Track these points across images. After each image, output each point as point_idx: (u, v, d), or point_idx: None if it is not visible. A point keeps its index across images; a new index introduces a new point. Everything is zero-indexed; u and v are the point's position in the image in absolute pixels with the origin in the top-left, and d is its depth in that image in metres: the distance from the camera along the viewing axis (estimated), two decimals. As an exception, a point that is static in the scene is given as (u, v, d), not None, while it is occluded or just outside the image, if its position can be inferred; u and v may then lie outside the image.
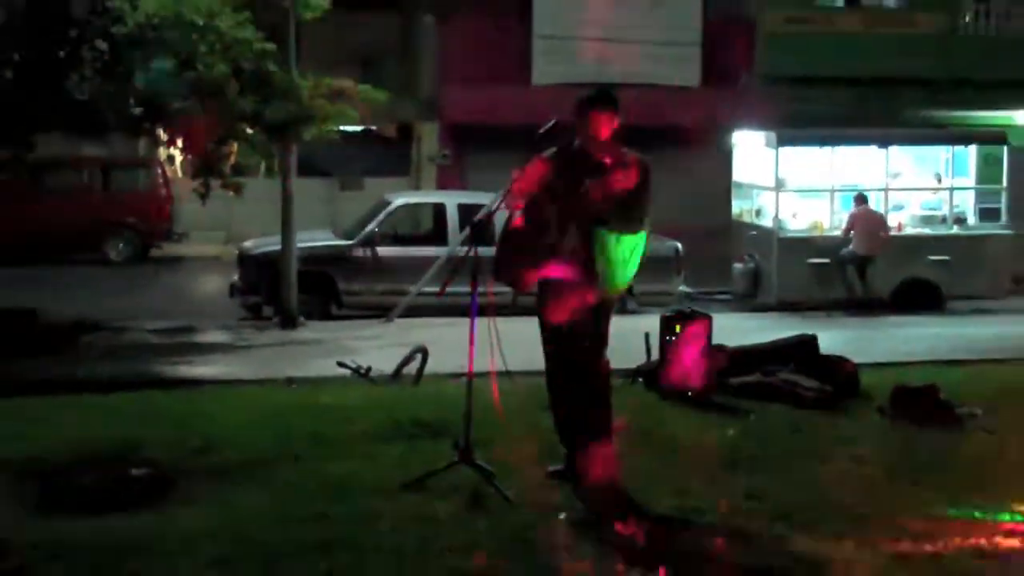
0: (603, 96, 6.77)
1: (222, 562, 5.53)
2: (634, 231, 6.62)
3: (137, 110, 13.48)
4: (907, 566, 5.65)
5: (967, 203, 18.46)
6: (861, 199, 17.36)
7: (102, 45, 12.63)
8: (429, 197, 19.89)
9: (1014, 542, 6.04)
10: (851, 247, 17.18)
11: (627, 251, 6.63)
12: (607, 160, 6.60)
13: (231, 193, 14.99)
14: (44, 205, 22.36)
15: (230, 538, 5.85)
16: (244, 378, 11.47)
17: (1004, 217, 18.26)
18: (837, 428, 8.79)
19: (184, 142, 15.04)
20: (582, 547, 5.87)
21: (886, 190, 17.84)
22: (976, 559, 5.77)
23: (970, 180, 18.46)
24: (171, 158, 25.34)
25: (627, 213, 6.55)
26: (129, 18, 12.43)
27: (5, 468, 7.26)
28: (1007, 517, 6.48)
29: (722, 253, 19.08)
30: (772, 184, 17.94)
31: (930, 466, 7.62)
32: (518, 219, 6.89)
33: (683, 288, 17.13)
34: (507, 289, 6.95)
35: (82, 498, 6.63)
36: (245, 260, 16.52)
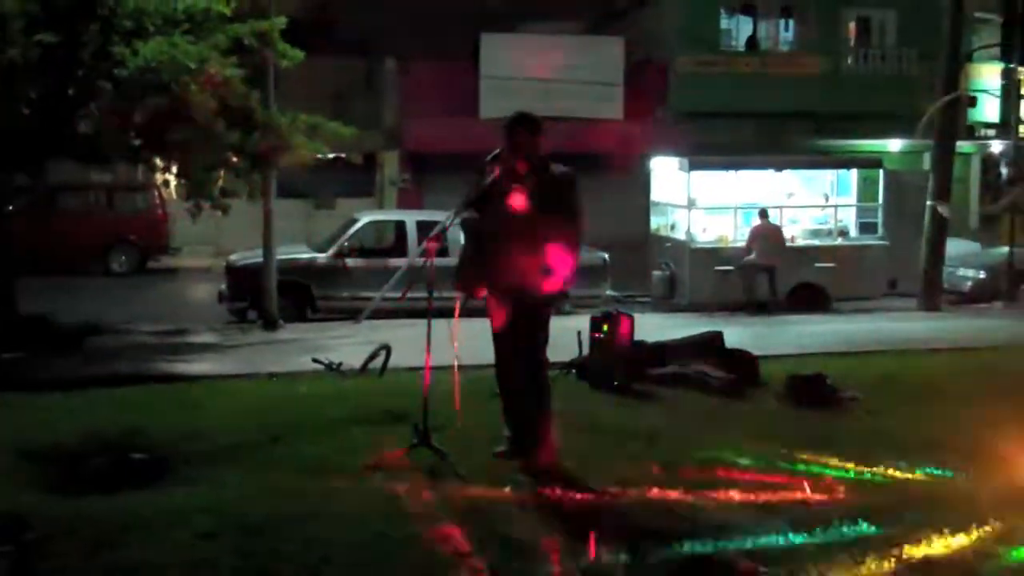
0: (523, 117, 6.82)
1: (212, 533, 5.49)
2: (565, 234, 6.64)
3: (136, 141, 13.34)
4: (801, 531, 5.69)
5: (849, 218, 18.66)
6: (763, 214, 17.49)
7: (106, 85, 12.48)
8: (391, 215, 19.82)
9: (896, 512, 6.10)
10: (753, 256, 17.30)
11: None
12: (530, 170, 6.64)
13: (219, 213, 14.86)
14: (57, 224, 22.13)
15: (219, 512, 5.80)
16: (231, 373, 11.37)
17: (880, 230, 18.48)
18: (740, 412, 8.86)
19: (177, 169, 14.86)
20: (525, 516, 5.88)
21: (781, 208, 18.01)
22: (858, 517, 5.85)
23: (851, 198, 18.66)
24: (166, 182, 25.07)
25: (554, 218, 6.58)
26: (130, 62, 12.29)
27: (24, 454, 7.17)
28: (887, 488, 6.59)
29: (642, 262, 19.15)
30: (684, 203, 18.07)
31: (818, 444, 7.69)
32: (469, 232, 6.93)
33: (609, 292, 17.19)
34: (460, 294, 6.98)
35: (91, 479, 6.57)
36: (231, 271, 16.40)
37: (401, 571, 5.10)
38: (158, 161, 14.34)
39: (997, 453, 7.10)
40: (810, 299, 17.63)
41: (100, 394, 9.62)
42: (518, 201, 6.55)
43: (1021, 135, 22.53)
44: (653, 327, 12.45)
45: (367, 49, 27.39)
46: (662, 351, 10.49)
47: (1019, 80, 21.95)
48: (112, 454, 6.99)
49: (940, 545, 5.49)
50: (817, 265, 17.88)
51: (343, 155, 26.76)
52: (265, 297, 15.05)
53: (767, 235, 17.32)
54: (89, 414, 8.54)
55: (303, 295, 16.05)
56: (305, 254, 16.78)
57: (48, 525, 5.55)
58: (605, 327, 9.91)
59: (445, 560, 5.18)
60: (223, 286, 16.35)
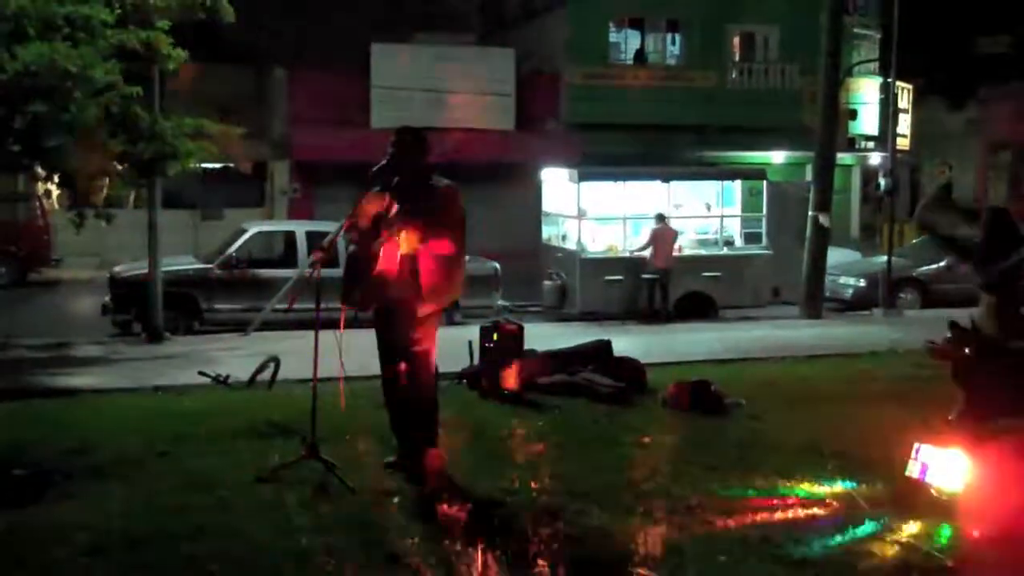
0: (406, 130, 6.89)
1: (95, 550, 5.40)
2: (448, 248, 6.69)
3: (16, 148, 13.00)
4: (683, 534, 5.83)
5: (734, 228, 19.06)
6: (660, 218, 17.70)
7: (-18, 92, 12.14)
8: (281, 226, 19.61)
9: (775, 513, 6.28)
10: (650, 263, 17.50)
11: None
12: (415, 185, 6.70)
13: (103, 223, 14.56)
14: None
15: (103, 528, 5.72)
16: (116, 387, 11.16)
17: (764, 239, 18.91)
18: (627, 418, 9.00)
19: (60, 177, 14.49)
20: (413, 527, 5.91)
21: (669, 218, 18.28)
22: (738, 518, 6.01)
23: (736, 209, 19.06)
24: (48, 192, 24.49)
25: (439, 233, 6.62)
26: (8, 66, 11.97)
27: None
28: (767, 490, 6.77)
29: (534, 272, 19.29)
30: (575, 213, 18.26)
31: (702, 448, 7.86)
32: (355, 247, 6.94)
33: (500, 302, 17.27)
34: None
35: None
36: (116, 282, 16.06)
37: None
38: (39, 169, 13.98)
39: (873, 455, 7.35)
40: (697, 307, 17.96)
41: (-22, 410, 9.35)
42: (401, 215, 6.60)
43: (899, 147, 23.29)
44: (544, 336, 12.56)
45: (256, 58, 27.13)
46: (552, 360, 10.60)
47: (897, 94, 22.69)
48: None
49: (818, 544, 5.67)
50: (704, 274, 18.23)
51: (232, 165, 26.46)
52: (151, 309, 14.79)
53: (664, 239, 17.54)
54: (-34, 430, 8.31)
55: (190, 307, 15.80)
56: (192, 265, 16.53)
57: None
58: (495, 336, 9.98)
59: (332, 573, 5.18)
60: (107, 298, 16.00)
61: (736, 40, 28.40)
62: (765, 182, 19.14)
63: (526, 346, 10.26)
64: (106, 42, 13.05)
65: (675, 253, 17.77)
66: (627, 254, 18.05)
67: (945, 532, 5.88)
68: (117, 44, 13.22)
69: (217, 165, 23.79)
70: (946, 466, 6.24)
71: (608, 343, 11.01)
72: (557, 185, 19.32)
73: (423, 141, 6.86)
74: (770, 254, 18.74)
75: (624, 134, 25.25)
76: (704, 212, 19.10)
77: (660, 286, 17.56)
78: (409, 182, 6.71)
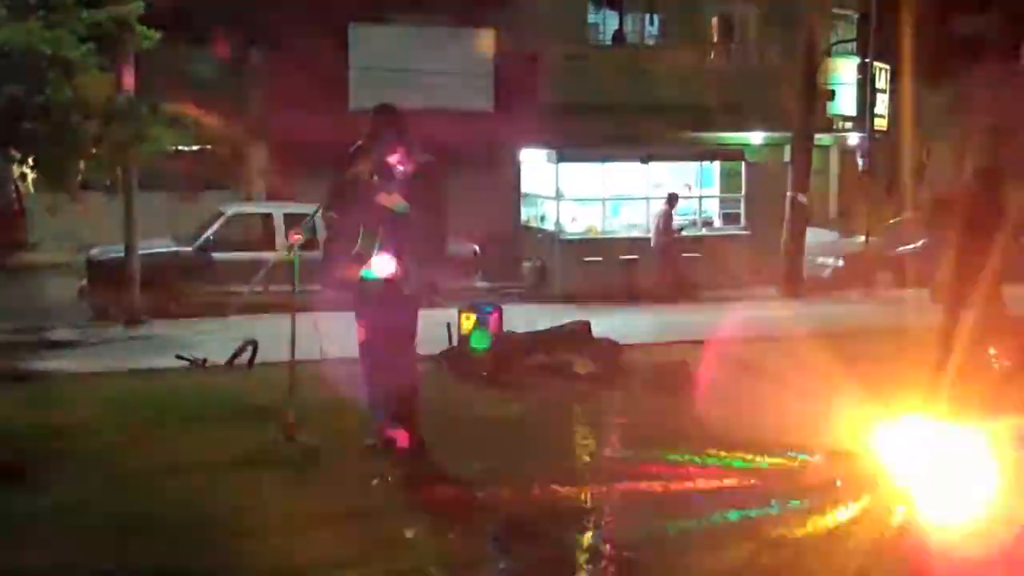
0: (385, 107, 6.88)
1: (73, 533, 5.39)
2: (432, 219, 6.69)
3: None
4: (662, 514, 5.87)
5: (713, 209, 19.09)
6: (673, 199, 17.63)
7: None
8: (259, 207, 19.53)
9: (752, 492, 6.32)
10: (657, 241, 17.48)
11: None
12: (394, 162, 6.69)
13: (79, 206, 14.45)
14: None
15: (81, 512, 5.71)
16: (93, 370, 11.10)
17: (743, 220, 18.96)
18: (605, 399, 9.03)
19: (34, 160, 14.37)
20: (392, 509, 5.93)
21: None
22: (715, 499, 6.05)
23: (715, 190, 19.10)
24: (23, 175, 24.30)
25: (420, 209, 6.62)
26: (-19, 48, 11.89)
27: None
28: (740, 463, 6.82)
29: (513, 253, 19.27)
30: (554, 194, 18.25)
31: (679, 429, 7.89)
32: (333, 228, 6.93)
33: (480, 283, 17.24)
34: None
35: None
36: (93, 266, 15.99)
37: (266, 569, 5.10)
38: (14, 152, 13.86)
39: (843, 433, 7.39)
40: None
41: (-46, 394, 9.31)
42: (385, 196, 6.58)
43: (876, 128, 23.36)
44: (523, 317, 12.56)
45: (232, 36, 26.96)
46: (531, 341, 10.62)
47: (874, 74, 22.76)
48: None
49: (795, 525, 5.71)
50: (684, 255, 18.24)
51: (209, 146, 26.31)
52: (128, 292, 14.72)
53: (661, 216, 17.48)
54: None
55: (167, 290, 15.73)
56: (170, 248, 16.45)
57: None
58: (475, 319, 9.99)
59: (312, 555, 5.19)
60: (84, 281, 15.92)
61: (714, 20, 28.38)
62: (744, 162, 19.18)
63: (505, 327, 10.27)
64: (80, 22, 12.94)
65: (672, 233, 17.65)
66: (606, 235, 18.05)
67: (911, 510, 5.93)
68: (90, 23, 13.11)
69: (194, 147, 23.66)
70: (911, 443, 6.30)
71: (587, 324, 11.02)
72: (536, 166, 19.31)
73: (402, 118, 6.85)
74: (748, 235, 18.78)
75: (602, 115, 25.19)
76: (683, 192, 19.08)
77: (659, 266, 17.43)
78: (388, 159, 6.70)
